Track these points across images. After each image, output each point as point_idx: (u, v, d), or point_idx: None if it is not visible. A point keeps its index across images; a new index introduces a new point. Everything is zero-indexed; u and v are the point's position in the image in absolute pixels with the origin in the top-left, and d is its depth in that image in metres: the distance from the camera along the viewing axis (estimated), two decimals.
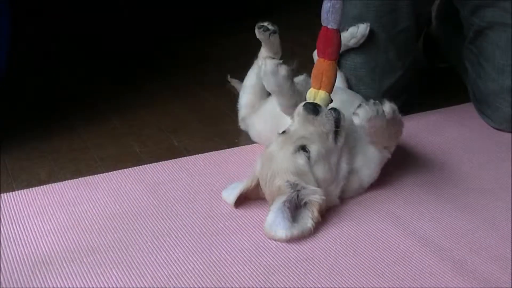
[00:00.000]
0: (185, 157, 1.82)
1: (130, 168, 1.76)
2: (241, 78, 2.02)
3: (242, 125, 1.95)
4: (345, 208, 1.55)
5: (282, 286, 1.28)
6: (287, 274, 1.31)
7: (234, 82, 2.30)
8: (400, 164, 1.74)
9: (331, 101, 1.58)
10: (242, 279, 1.30)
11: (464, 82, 2.16)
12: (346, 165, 1.55)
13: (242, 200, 1.55)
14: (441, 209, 1.54)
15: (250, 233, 1.46)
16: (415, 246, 1.39)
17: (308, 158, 1.47)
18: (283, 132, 1.53)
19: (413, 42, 2.09)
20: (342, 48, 1.94)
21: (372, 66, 1.97)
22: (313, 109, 1.50)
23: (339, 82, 1.86)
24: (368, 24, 1.92)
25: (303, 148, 1.48)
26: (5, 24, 1.93)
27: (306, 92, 1.61)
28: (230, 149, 1.87)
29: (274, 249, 1.40)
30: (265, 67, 1.59)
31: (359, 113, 1.48)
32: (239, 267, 1.34)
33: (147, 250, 1.40)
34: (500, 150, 1.83)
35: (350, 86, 1.96)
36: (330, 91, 1.58)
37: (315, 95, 1.58)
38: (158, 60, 2.70)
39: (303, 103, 1.53)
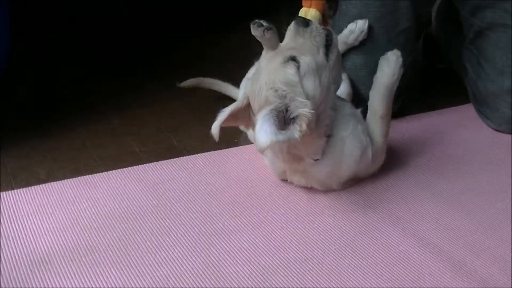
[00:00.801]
0: (184, 157, 1.82)
1: (129, 168, 1.75)
2: (241, 77, 2.02)
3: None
4: (344, 209, 1.55)
5: (281, 286, 1.28)
6: (286, 274, 1.31)
7: (187, 82, 2.28)
8: (399, 165, 1.74)
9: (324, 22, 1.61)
10: (241, 279, 1.30)
11: (463, 83, 2.16)
12: (332, 103, 1.53)
13: (231, 122, 1.50)
14: (441, 210, 1.54)
15: (249, 233, 1.46)
16: (414, 247, 1.39)
17: (298, 68, 1.44)
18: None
19: (413, 42, 2.08)
20: (342, 47, 1.95)
21: (372, 66, 1.96)
22: (303, 21, 1.51)
23: (343, 86, 1.86)
24: (367, 20, 1.92)
25: (293, 58, 1.45)
26: (5, 24, 1.93)
27: None
28: (229, 149, 1.87)
29: (273, 249, 1.40)
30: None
31: (390, 58, 1.64)
32: (238, 267, 1.34)
33: (146, 249, 1.40)
34: (500, 151, 1.83)
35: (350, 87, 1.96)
36: (321, 9, 1.59)
37: (305, 13, 1.59)
38: (157, 59, 2.69)
39: (294, 18, 1.53)
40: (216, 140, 1.47)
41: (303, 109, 1.38)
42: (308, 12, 1.61)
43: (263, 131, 1.33)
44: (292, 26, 1.52)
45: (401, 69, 1.67)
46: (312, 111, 1.39)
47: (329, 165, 1.55)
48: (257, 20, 1.85)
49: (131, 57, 2.73)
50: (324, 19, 1.93)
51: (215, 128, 1.47)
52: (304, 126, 1.37)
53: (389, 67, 1.68)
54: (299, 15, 1.61)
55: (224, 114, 1.47)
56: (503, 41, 1.94)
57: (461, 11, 2.08)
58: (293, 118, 1.38)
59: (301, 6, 1.85)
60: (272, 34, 1.88)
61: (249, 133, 1.89)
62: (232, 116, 1.49)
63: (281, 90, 1.41)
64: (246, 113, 1.51)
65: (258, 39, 1.89)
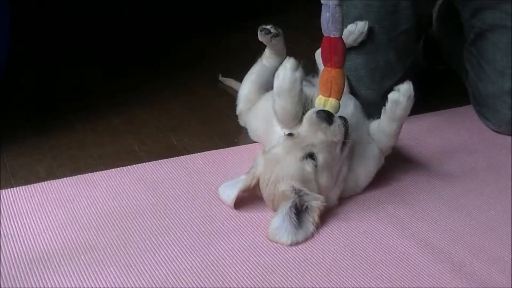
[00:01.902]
0: (184, 156, 1.82)
1: (128, 166, 1.75)
2: (241, 77, 2.02)
3: (241, 121, 1.96)
4: (344, 209, 1.54)
5: (280, 286, 1.28)
6: (285, 274, 1.31)
7: (226, 80, 2.30)
8: (399, 166, 1.74)
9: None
10: (240, 279, 1.30)
11: (464, 84, 2.16)
12: (346, 168, 1.55)
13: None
14: (440, 211, 1.54)
15: (249, 232, 1.45)
16: (413, 248, 1.39)
17: (315, 166, 1.47)
18: (290, 134, 1.52)
19: (414, 43, 2.09)
20: None
21: (372, 67, 1.97)
22: (327, 118, 1.48)
23: None
24: (367, 22, 1.91)
25: (311, 155, 1.47)
26: (5, 23, 1.93)
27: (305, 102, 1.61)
28: (229, 148, 1.87)
29: (272, 249, 1.39)
30: (286, 62, 1.57)
31: (401, 88, 1.53)
32: (237, 266, 1.34)
33: (145, 248, 1.39)
34: (500, 152, 1.83)
35: (350, 87, 1.95)
36: (340, 98, 1.56)
37: (325, 102, 1.55)
38: (157, 59, 2.69)
39: (315, 110, 1.50)
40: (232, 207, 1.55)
41: (316, 202, 1.45)
42: (328, 101, 1.57)
43: (284, 230, 1.41)
44: (314, 119, 1.49)
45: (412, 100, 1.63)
46: (324, 204, 1.46)
47: (348, 193, 1.60)
48: (264, 27, 1.86)
49: (131, 56, 2.73)
50: None
51: (230, 203, 1.54)
52: (316, 218, 1.45)
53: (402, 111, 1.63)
54: (317, 103, 1.58)
55: (234, 190, 1.53)
56: (503, 43, 1.94)
57: (462, 12, 2.08)
58: (306, 207, 1.45)
59: (299, 7, 1.84)
60: (279, 40, 1.89)
61: (249, 130, 1.90)
62: (241, 192, 1.54)
63: (297, 186, 1.45)
64: (253, 189, 1.54)
65: (265, 44, 1.90)
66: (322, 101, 1.55)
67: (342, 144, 1.51)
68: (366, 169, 1.60)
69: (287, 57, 1.60)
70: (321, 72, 1.60)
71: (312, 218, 1.44)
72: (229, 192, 1.54)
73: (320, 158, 1.47)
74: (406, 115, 1.62)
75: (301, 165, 1.47)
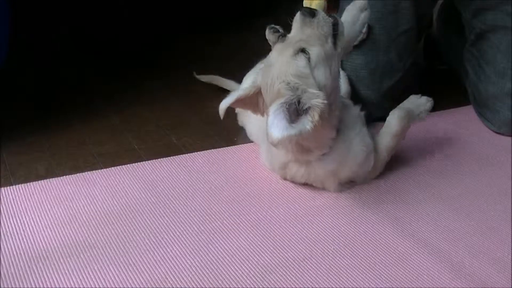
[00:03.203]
0: (183, 155, 1.82)
1: (128, 165, 1.75)
2: (241, 76, 2.01)
3: (239, 121, 1.96)
4: (343, 209, 1.54)
5: (279, 286, 1.28)
6: (284, 274, 1.31)
7: (203, 77, 2.30)
8: (399, 166, 1.74)
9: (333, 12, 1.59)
10: (239, 278, 1.30)
11: (464, 84, 2.16)
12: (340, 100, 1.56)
13: (239, 105, 1.56)
14: (440, 212, 1.54)
15: (248, 231, 1.45)
16: (413, 248, 1.39)
17: (308, 59, 1.45)
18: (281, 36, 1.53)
19: (414, 43, 2.09)
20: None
21: (372, 67, 1.97)
22: (310, 12, 1.50)
23: (342, 85, 1.86)
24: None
25: (303, 50, 1.46)
26: (5, 22, 1.93)
27: None
28: (228, 147, 1.87)
29: (272, 248, 1.39)
30: None
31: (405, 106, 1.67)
32: (236, 265, 1.34)
33: (145, 247, 1.39)
34: (500, 153, 1.83)
35: (350, 87, 1.95)
36: None
37: (310, 3, 1.58)
38: (157, 58, 2.69)
39: (299, 10, 1.53)
40: (221, 117, 1.54)
41: (316, 100, 1.39)
42: (313, 1, 1.60)
43: (275, 126, 1.34)
44: (298, 17, 1.52)
45: (429, 106, 1.74)
46: (325, 101, 1.40)
47: (333, 162, 1.55)
48: (273, 26, 1.86)
49: (131, 55, 2.73)
50: (330, 6, 1.92)
51: (222, 108, 1.53)
52: (316, 117, 1.38)
53: (420, 102, 1.73)
54: (304, 5, 1.60)
55: (232, 96, 1.53)
56: (504, 44, 1.94)
57: (463, 13, 2.08)
58: (306, 109, 1.39)
59: (299, 7, 1.85)
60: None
61: (246, 130, 1.89)
62: (240, 100, 1.53)
63: (293, 82, 1.42)
64: (254, 100, 1.53)
65: (271, 43, 1.90)
66: (307, 2, 1.58)
67: (334, 37, 1.52)
68: (356, 148, 1.58)
69: None
70: None
71: (311, 116, 1.38)
72: (229, 97, 1.54)
73: (312, 51, 1.46)
74: (403, 133, 1.71)
75: (293, 61, 1.45)
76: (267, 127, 1.35)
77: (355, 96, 1.93)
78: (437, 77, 2.38)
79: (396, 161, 1.75)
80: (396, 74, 1.99)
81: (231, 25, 3.03)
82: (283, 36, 1.85)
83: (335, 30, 1.52)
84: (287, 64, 1.45)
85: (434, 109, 2.08)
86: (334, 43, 1.52)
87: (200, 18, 3.21)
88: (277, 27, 1.87)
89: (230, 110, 2.01)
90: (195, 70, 2.45)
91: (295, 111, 1.39)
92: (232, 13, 3.21)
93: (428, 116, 2.02)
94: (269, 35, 1.87)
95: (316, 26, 1.49)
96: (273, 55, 1.51)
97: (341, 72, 1.91)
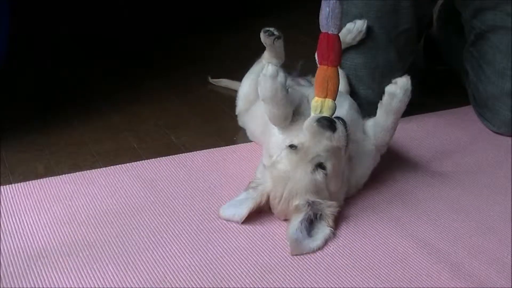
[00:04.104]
0: (183, 154, 1.82)
1: (127, 164, 1.75)
2: (241, 76, 2.01)
3: (239, 122, 1.96)
4: (343, 210, 1.54)
5: (278, 285, 1.28)
6: (283, 273, 1.31)
7: (218, 82, 2.30)
8: (398, 166, 1.74)
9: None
10: (238, 278, 1.30)
11: (464, 85, 2.16)
12: (347, 168, 1.54)
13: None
14: (439, 212, 1.53)
15: (248, 231, 1.45)
16: (412, 248, 1.39)
17: (326, 175, 1.45)
18: (291, 146, 1.47)
19: (414, 43, 2.09)
20: None
21: (372, 66, 1.97)
22: (330, 126, 1.45)
23: (341, 84, 1.86)
24: (366, 20, 1.91)
25: (320, 165, 1.45)
26: (5, 22, 1.93)
27: (297, 102, 1.61)
28: (228, 146, 1.87)
29: (271, 248, 1.39)
30: (265, 70, 1.56)
31: (398, 81, 1.55)
32: (235, 265, 1.33)
33: (144, 246, 1.39)
34: (499, 154, 1.83)
35: (350, 86, 1.95)
36: (335, 98, 1.54)
37: (322, 104, 1.53)
38: (157, 57, 2.69)
39: (315, 118, 1.46)
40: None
41: (329, 209, 1.45)
42: (324, 103, 1.54)
43: (301, 243, 1.40)
44: (315, 128, 1.45)
45: (409, 94, 1.63)
46: (337, 209, 1.47)
47: (351, 184, 1.58)
48: (268, 28, 1.86)
49: (131, 54, 2.73)
50: None
51: (240, 220, 1.49)
52: (331, 222, 1.45)
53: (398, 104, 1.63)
54: (313, 105, 1.53)
55: (243, 210, 1.48)
56: (504, 44, 1.94)
57: (463, 13, 2.08)
58: (319, 215, 1.45)
59: (299, 6, 1.84)
60: (280, 43, 1.89)
61: (247, 130, 1.89)
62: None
63: (311, 199, 1.45)
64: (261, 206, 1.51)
65: (266, 46, 1.90)
66: (319, 103, 1.52)
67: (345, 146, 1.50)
68: (363, 166, 1.60)
69: (267, 64, 1.58)
70: (317, 71, 1.58)
71: (327, 223, 1.44)
72: (236, 210, 1.49)
73: (329, 166, 1.45)
74: (402, 109, 1.61)
75: (312, 177, 1.45)
76: (290, 242, 1.40)
77: (354, 95, 1.93)
78: (437, 77, 2.37)
79: (395, 162, 1.75)
80: (396, 74, 1.96)
81: (231, 25, 3.03)
82: (279, 38, 1.83)
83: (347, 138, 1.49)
84: (306, 180, 1.45)
85: (434, 109, 2.10)
86: (345, 151, 1.51)
87: (200, 18, 3.21)
88: (272, 29, 1.87)
89: (229, 109, 2.03)
90: (195, 69, 2.46)
91: (310, 221, 1.44)
92: (232, 13, 3.21)
93: (427, 116, 2.03)
94: (264, 38, 1.87)
95: (336, 140, 1.45)
96: (285, 166, 1.47)
97: (341, 72, 1.91)
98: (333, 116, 1.49)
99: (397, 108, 1.60)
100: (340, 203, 1.51)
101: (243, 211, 1.47)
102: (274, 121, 1.60)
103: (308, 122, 1.46)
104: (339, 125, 1.46)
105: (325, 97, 1.52)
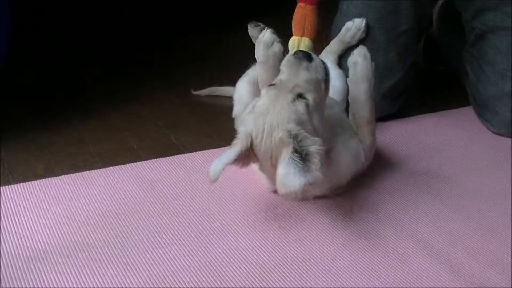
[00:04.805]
0: (182, 154, 1.81)
1: (127, 164, 1.75)
2: (240, 75, 2.01)
3: (237, 124, 1.95)
4: (342, 210, 1.54)
5: (278, 286, 1.27)
6: (283, 274, 1.31)
7: (202, 92, 2.28)
8: (398, 166, 1.74)
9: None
10: (237, 279, 1.30)
11: (464, 85, 2.15)
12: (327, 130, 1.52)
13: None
14: (439, 213, 1.53)
15: (247, 232, 1.45)
16: (412, 249, 1.39)
17: (307, 105, 1.43)
18: (271, 85, 1.47)
19: (414, 44, 2.08)
20: (340, 46, 1.94)
21: None
22: (306, 56, 1.46)
23: (340, 83, 1.86)
24: (364, 19, 1.91)
25: (301, 96, 1.43)
26: (5, 22, 1.93)
27: None
28: (227, 147, 1.86)
29: (270, 249, 1.39)
30: (262, 35, 1.54)
31: (355, 51, 1.57)
32: (235, 266, 1.33)
33: (143, 247, 1.39)
34: (499, 154, 1.83)
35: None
36: (313, 38, 1.53)
37: (298, 42, 1.53)
38: (157, 57, 2.69)
39: (291, 53, 1.48)
40: (213, 183, 1.42)
41: (314, 147, 1.38)
42: (301, 41, 1.54)
43: (291, 176, 1.32)
44: (292, 60, 1.47)
45: (369, 59, 1.63)
46: (322, 147, 1.39)
47: (328, 179, 1.53)
48: (254, 21, 1.86)
49: (130, 54, 2.73)
50: (325, 36, 1.89)
51: (215, 174, 1.41)
52: (318, 164, 1.36)
53: (362, 70, 1.63)
54: (290, 44, 1.54)
55: (224, 160, 1.41)
56: (504, 44, 1.93)
57: (463, 13, 2.08)
58: (306, 154, 1.38)
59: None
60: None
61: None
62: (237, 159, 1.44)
63: (295, 129, 1.40)
64: (245, 155, 1.45)
65: (254, 39, 1.90)
66: (295, 42, 1.53)
67: (325, 82, 1.50)
68: (345, 160, 1.56)
69: (265, 29, 1.57)
70: (295, 10, 1.57)
71: (314, 164, 1.36)
72: (220, 162, 1.41)
73: (310, 97, 1.44)
74: (369, 75, 1.62)
75: (293, 107, 1.42)
76: (280, 176, 1.33)
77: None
78: (436, 77, 2.37)
79: (394, 162, 1.75)
80: (395, 75, 1.98)
81: (231, 25, 3.02)
82: (262, 28, 1.83)
83: (326, 74, 1.50)
84: (286, 111, 1.41)
85: (433, 109, 2.09)
86: (326, 88, 1.51)
87: (200, 18, 3.21)
88: (258, 23, 1.86)
89: (228, 110, 2.02)
90: (195, 69, 2.46)
91: (299, 156, 1.37)
92: (232, 13, 3.21)
93: (427, 116, 2.03)
94: (251, 30, 1.86)
95: (314, 71, 1.47)
96: (265, 101, 1.45)
97: (339, 71, 1.92)
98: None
99: (362, 75, 1.61)
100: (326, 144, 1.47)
101: (222, 162, 1.40)
102: (261, 84, 1.61)
103: (285, 58, 1.48)
104: (315, 57, 1.47)
105: (302, 35, 1.52)
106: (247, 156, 1.45)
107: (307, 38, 1.52)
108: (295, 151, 1.36)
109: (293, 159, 1.34)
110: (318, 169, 1.36)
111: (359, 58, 1.59)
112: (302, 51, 1.48)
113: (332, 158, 1.53)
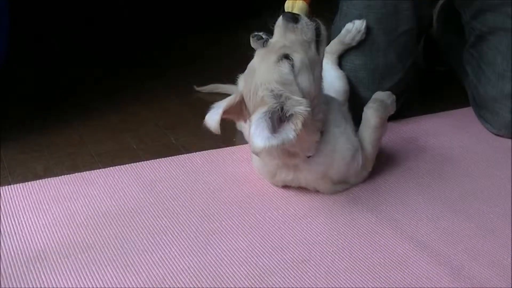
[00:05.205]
0: (182, 155, 1.81)
1: (127, 165, 1.75)
2: (240, 75, 2.01)
3: (237, 125, 1.95)
4: (342, 211, 1.54)
5: (278, 287, 1.27)
6: (283, 275, 1.31)
7: (205, 89, 2.28)
8: (398, 167, 1.74)
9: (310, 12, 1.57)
10: (237, 280, 1.29)
11: (464, 86, 2.15)
12: (323, 98, 1.55)
13: (224, 116, 1.49)
14: (439, 214, 1.53)
15: (247, 233, 1.45)
16: (412, 250, 1.39)
17: (292, 66, 1.44)
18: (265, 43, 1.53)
19: (414, 44, 2.08)
20: (340, 47, 1.94)
21: (371, 68, 1.96)
22: (292, 17, 1.49)
23: (340, 84, 1.86)
24: (364, 20, 1.91)
25: (286, 56, 1.44)
26: (5, 22, 1.93)
27: None
28: (227, 148, 1.86)
29: (270, 250, 1.39)
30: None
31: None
32: (235, 267, 1.33)
33: (143, 247, 1.39)
34: (499, 155, 1.82)
35: (350, 87, 1.95)
36: (307, 0, 1.55)
37: (292, 5, 1.56)
38: (157, 58, 2.69)
39: (282, 14, 1.52)
40: (218, 133, 1.48)
41: (299, 108, 1.38)
42: (295, 4, 1.56)
43: (257, 135, 1.32)
44: (280, 22, 1.51)
45: (393, 102, 1.75)
46: (308, 109, 1.38)
47: (321, 163, 1.54)
48: (256, 33, 1.86)
49: (130, 54, 2.72)
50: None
51: (214, 125, 1.48)
52: (299, 125, 1.36)
53: (383, 93, 1.74)
54: (285, 6, 1.58)
55: (218, 109, 1.48)
56: (504, 45, 1.93)
57: (463, 14, 2.08)
58: (289, 116, 1.37)
59: None
60: None
61: (245, 133, 1.89)
62: (225, 111, 1.48)
63: (277, 89, 1.40)
64: (238, 108, 1.50)
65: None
66: (289, 4, 1.57)
67: (316, 43, 1.51)
68: (342, 148, 1.56)
69: (268, 40, 1.62)
70: None
71: (294, 124, 1.36)
72: (214, 112, 1.49)
73: (296, 57, 1.45)
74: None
75: (277, 68, 1.43)
76: (250, 136, 1.34)
77: (354, 96, 1.92)
78: (436, 78, 2.37)
79: (394, 163, 1.75)
80: (395, 75, 1.98)
81: (231, 25, 3.02)
82: (267, 42, 1.85)
83: (318, 35, 1.51)
84: (270, 71, 1.43)
85: (433, 110, 2.09)
86: (317, 49, 1.52)
87: (200, 18, 3.21)
88: (261, 33, 1.87)
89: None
90: (195, 69, 2.46)
91: (278, 118, 1.37)
92: (232, 13, 3.21)
93: (427, 117, 2.03)
94: (253, 43, 1.87)
95: (300, 32, 1.49)
96: (255, 61, 1.49)
97: (340, 72, 1.92)
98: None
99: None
100: (317, 122, 1.49)
101: (217, 111, 1.48)
102: None
103: (277, 20, 1.52)
104: (303, 18, 1.50)
105: None
106: (241, 110, 1.49)
107: (301, 1, 1.55)
108: (273, 111, 1.36)
109: (265, 119, 1.34)
110: (297, 131, 1.35)
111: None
112: (290, 13, 1.53)
113: (327, 141, 1.54)
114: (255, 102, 1.43)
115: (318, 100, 1.50)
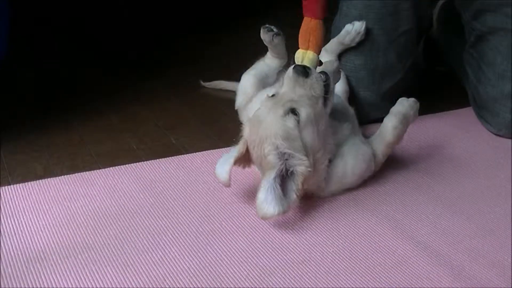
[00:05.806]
0: (182, 155, 1.81)
1: (126, 165, 1.75)
2: (240, 75, 2.01)
3: (240, 117, 1.95)
4: (343, 211, 1.54)
5: (278, 287, 1.27)
6: (283, 276, 1.31)
7: (210, 84, 2.29)
8: (398, 168, 1.73)
9: (320, 63, 1.56)
10: (237, 280, 1.29)
11: (464, 86, 2.15)
12: (332, 140, 1.54)
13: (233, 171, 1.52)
14: (439, 214, 1.53)
15: (247, 233, 1.45)
16: (412, 251, 1.39)
17: (298, 121, 1.45)
18: (272, 95, 1.52)
19: (414, 45, 2.08)
20: (339, 47, 1.94)
21: (372, 68, 1.96)
22: (303, 71, 1.49)
23: (340, 84, 1.86)
24: (364, 21, 1.91)
25: (293, 111, 1.45)
26: (5, 22, 1.93)
27: None
28: (227, 148, 1.86)
29: (270, 250, 1.39)
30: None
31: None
32: (235, 267, 1.33)
33: (143, 248, 1.39)
34: (499, 156, 1.82)
35: (350, 88, 1.95)
36: (318, 51, 1.55)
37: (303, 55, 1.55)
38: (157, 57, 2.69)
39: (293, 66, 1.51)
40: (228, 186, 1.52)
41: (300, 167, 1.43)
42: (306, 55, 1.55)
43: (268, 202, 1.39)
44: (291, 75, 1.50)
45: (416, 111, 1.72)
46: (309, 169, 1.44)
47: (335, 184, 1.57)
48: (267, 25, 1.87)
49: (130, 55, 2.73)
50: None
51: (225, 176, 1.50)
52: (299, 185, 1.42)
53: (410, 104, 1.71)
54: (296, 57, 1.57)
55: (229, 159, 1.51)
56: (504, 46, 1.93)
57: (463, 14, 2.07)
58: (291, 173, 1.43)
59: (299, 5, 1.84)
60: (280, 40, 1.91)
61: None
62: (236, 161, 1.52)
63: (281, 146, 1.43)
64: (247, 156, 1.53)
65: (266, 43, 1.91)
66: (300, 55, 1.56)
67: (324, 99, 1.51)
68: (354, 158, 1.58)
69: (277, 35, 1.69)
70: (302, 23, 1.60)
71: (295, 185, 1.42)
72: (224, 165, 1.51)
73: (302, 112, 1.46)
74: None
75: (283, 122, 1.45)
76: (258, 202, 1.40)
77: (353, 96, 1.93)
78: (436, 78, 2.37)
79: (395, 163, 1.74)
80: (395, 75, 1.98)
81: (231, 25, 3.03)
82: (278, 35, 1.86)
83: (326, 90, 1.51)
84: (276, 124, 1.45)
85: (433, 110, 2.09)
86: (324, 103, 1.52)
87: (200, 18, 3.21)
88: (272, 26, 1.88)
89: (228, 111, 2.02)
90: (195, 69, 2.45)
91: (282, 178, 1.43)
92: (232, 13, 3.21)
93: (427, 117, 2.02)
94: (263, 34, 1.88)
95: (309, 87, 1.49)
96: (262, 111, 1.49)
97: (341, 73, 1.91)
98: (318, 71, 1.52)
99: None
100: (320, 177, 1.51)
101: (227, 166, 1.50)
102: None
103: (287, 71, 1.52)
104: (313, 73, 1.49)
105: (307, 48, 1.55)
106: (248, 158, 1.52)
107: (311, 52, 1.54)
108: (279, 174, 1.42)
109: (275, 185, 1.40)
110: (299, 191, 1.42)
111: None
112: (302, 66, 1.51)
113: (336, 163, 1.56)
114: (259, 154, 1.47)
115: (323, 149, 1.51)
